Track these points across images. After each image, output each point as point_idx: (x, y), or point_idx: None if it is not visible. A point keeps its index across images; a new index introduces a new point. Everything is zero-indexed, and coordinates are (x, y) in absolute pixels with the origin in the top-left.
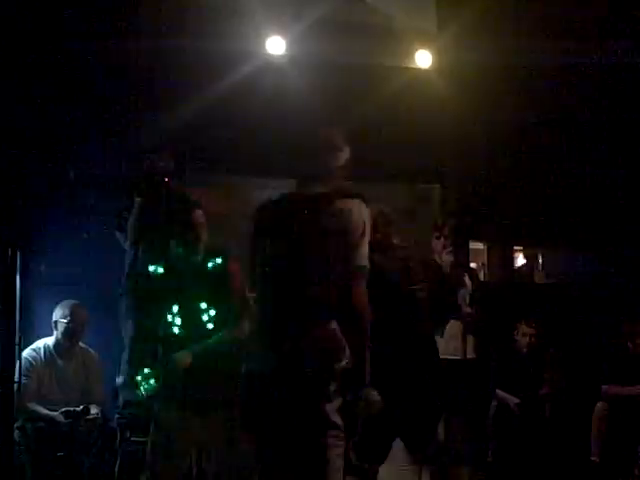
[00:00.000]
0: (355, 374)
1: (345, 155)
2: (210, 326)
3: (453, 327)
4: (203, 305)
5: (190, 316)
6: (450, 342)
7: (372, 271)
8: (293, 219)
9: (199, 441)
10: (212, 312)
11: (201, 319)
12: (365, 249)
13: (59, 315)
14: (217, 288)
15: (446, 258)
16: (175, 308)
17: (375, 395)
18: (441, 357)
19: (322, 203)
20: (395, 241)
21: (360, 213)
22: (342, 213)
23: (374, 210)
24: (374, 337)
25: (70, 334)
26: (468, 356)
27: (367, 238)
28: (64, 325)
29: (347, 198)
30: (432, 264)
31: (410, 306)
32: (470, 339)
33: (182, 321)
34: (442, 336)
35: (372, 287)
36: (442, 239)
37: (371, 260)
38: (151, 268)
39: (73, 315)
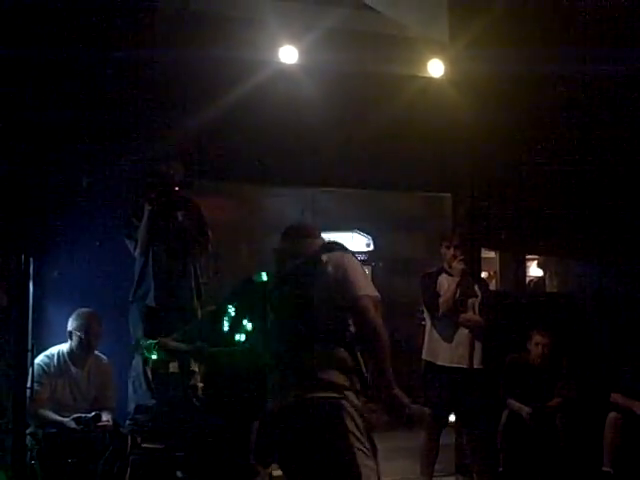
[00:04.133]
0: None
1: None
2: None
3: (461, 335)
4: None
5: None
6: (457, 350)
7: None
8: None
9: None
10: None
11: None
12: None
13: (74, 326)
14: None
15: (456, 267)
16: None
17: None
18: (447, 365)
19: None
20: None
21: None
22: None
23: None
24: None
25: (84, 346)
26: (475, 365)
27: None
28: (79, 337)
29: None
30: None
31: None
32: (477, 348)
33: None
34: (450, 343)
35: None
36: (452, 249)
37: None
38: None
39: (88, 328)
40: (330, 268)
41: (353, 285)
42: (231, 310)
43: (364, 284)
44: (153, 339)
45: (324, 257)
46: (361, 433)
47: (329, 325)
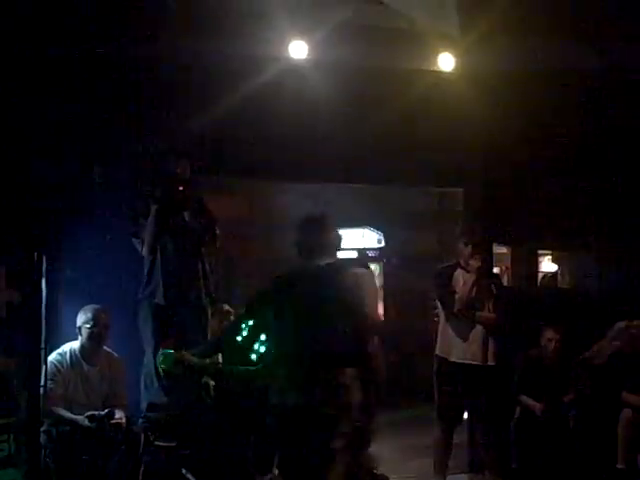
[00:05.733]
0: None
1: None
2: None
3: (475, 332)
4: None
5: None
6: (470, 346)
7: None
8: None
9: None
10: None
11: None
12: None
13: (82, 320)
14: None
15: (473, 264)
16: None
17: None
18: (460, 362)
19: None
20: None
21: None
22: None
23: None
24: None
25: (94, 338)
26: (488, 362)
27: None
28: (88, 330)
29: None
30: None
31: None
32: (491, 344)
33: None
34: (464, 340)
35: None
36: (470, 246)
37: None
38: None
39: (96, 320)
40: (349, 284)
41: (364, 310)
42: (247, 327)
43: (375, 312)
44: (172, 350)
45: (348, 269)
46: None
47: (337, 341)
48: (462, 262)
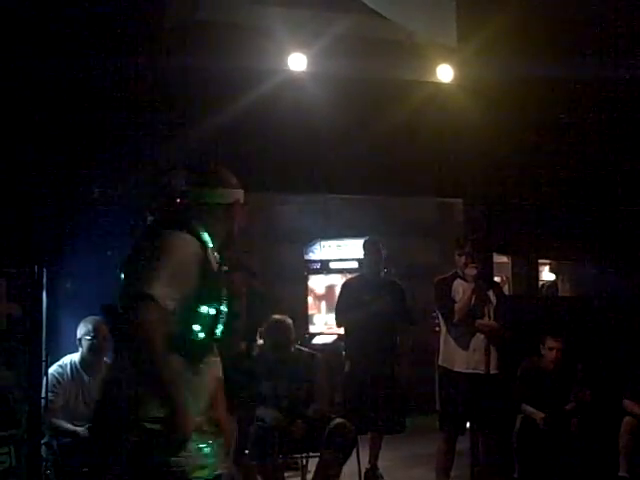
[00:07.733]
0: None
1: None
2: None
3: (477, 340)
4: None
5: None
6: (473, 355)
7: None
8: None
9: None
10: None
11: None
12: None
13: (83, 332)
14: None
15: (469, 273)
16: None
17: None
18: (464, 371)
19: None
20: None
21: None
22: None
23: None
24: None
25: (95, 350)
26: (491, 370)
27: None
28: (88, 342)
29: None
30: None
31: None
32: (493, 353)
33: None
34: (466, 349)
35: None
36: (464, 256)
37: None
38: None
39: (96, 331)
40: None
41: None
42: None
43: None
44: None
45: None
46: None
47: None
48: (459, 272)
